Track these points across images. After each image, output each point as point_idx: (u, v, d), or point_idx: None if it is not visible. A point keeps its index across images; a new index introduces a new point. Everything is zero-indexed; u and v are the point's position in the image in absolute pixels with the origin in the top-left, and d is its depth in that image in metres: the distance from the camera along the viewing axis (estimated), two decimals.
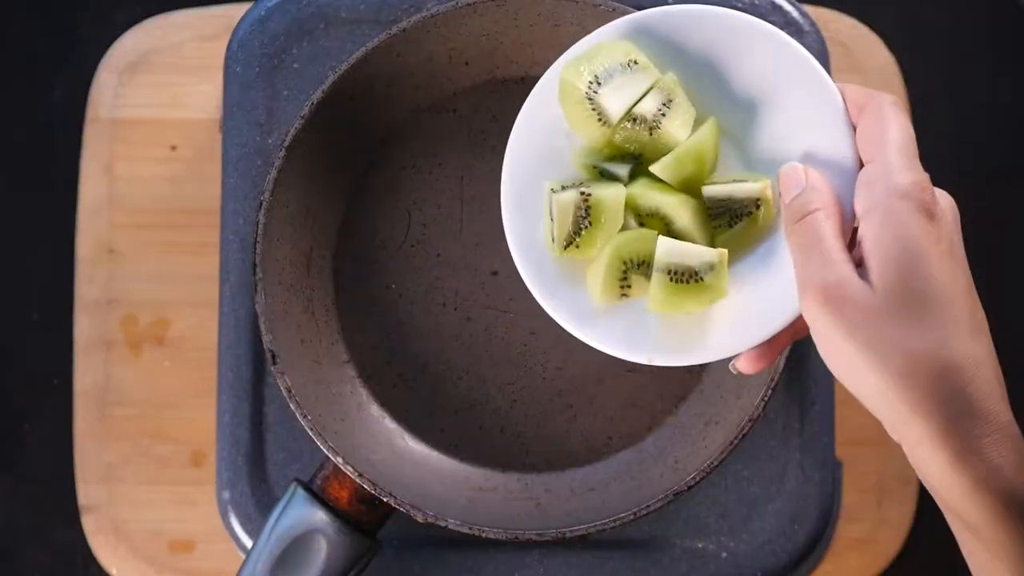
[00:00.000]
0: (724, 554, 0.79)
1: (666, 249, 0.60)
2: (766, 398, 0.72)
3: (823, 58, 0.80)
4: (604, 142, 0.64)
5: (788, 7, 0.81)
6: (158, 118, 0.93)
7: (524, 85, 0.79)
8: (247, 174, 0.81)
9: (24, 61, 0.99)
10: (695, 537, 0.80)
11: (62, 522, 0.93)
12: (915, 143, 0.56)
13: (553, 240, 0.63)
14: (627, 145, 0.63)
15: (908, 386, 0.52)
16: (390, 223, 0.80)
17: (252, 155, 0.81)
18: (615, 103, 0.62)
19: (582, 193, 0.62)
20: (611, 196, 0.62)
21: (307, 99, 0.75)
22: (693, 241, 0.62)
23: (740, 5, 0.80)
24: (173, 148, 0.93)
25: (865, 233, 0.54)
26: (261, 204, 0.73)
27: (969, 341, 0.53)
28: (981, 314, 0.54)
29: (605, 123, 0.63)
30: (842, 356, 0.54)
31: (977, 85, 1.00)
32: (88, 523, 0.90)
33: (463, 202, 0.80)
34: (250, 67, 0.81)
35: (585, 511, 0.75)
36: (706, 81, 0.64)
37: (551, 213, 0.63)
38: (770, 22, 0.80)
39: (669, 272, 0.61)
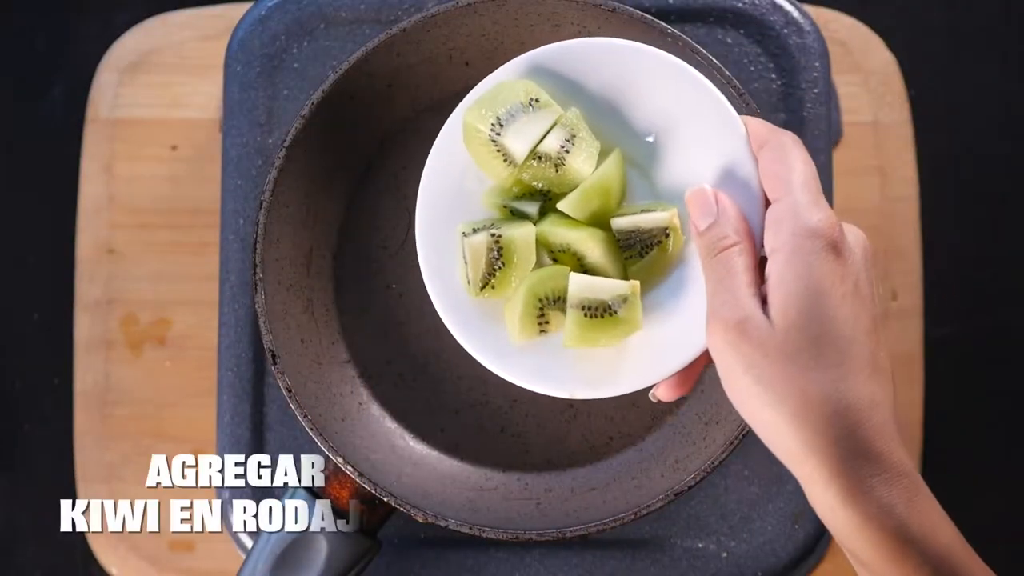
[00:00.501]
0: (724, 554, 0.79)
1: (578, 285, 0.61)
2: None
3: (823, 58, 0.80)
4: (512, 181, 0.64)
5: (788, 7, 0.81)
6: (158, 118, 0.93)
7: None
8: (247, 174, 0.81)
9: (24, 61, 0.99)
10: (695, 537, 0.80)
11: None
12: (818, 180, 0.57)
13: (469, 282, 0.64)
14: (535, 183, 0.64)
15: (801, 425, 0.53)
16: (390, 223, 0.80)
17: (252, 155, 0.81)
18: (518, 143, 0.63)
19: (492, 235, 0.63)
20: (521, 235, 0.63)
21: (307, 99, 0.75)
22: (606, 274, 0.63)
23: (741, 5, 0.80)
24: (173, 148, 0.93)
25: (771, 271, 0.55)
26: (261, 204, 0.73)
27: (865, 382, 0.53)
28: (883, 353, 0.55)
29: (511, 163, 0.64)
30: (741, 390, 0.54)
31: (977, 85, 1.00)
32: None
33: None
34: (250, 67, 0.81)
35: (585, 511, 0.75)
36: (611, 113, 0.64)
37: (464, 256, 0.64)
38: (770, 21, 0.80)
39: (583, 308, 0.61)
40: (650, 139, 0.64)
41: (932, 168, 0.95)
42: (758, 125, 0.60)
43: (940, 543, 0.52)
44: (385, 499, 0.72)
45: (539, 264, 0.64)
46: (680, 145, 0.63)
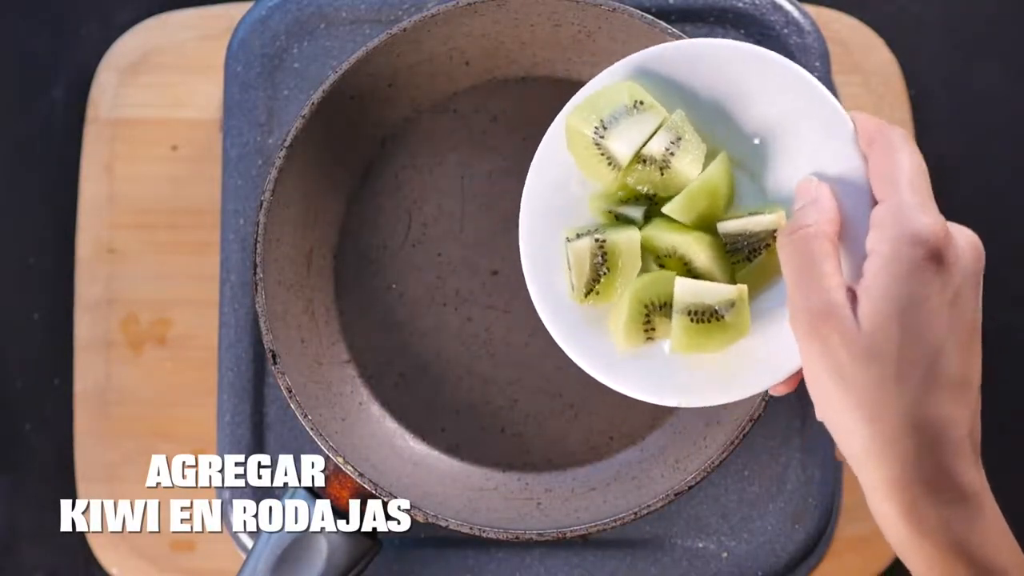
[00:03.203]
0: (725, 554, 0.79)
1: (684, 290, 0.60)
2: (767, 398, 0.72)
3: (823, 58, 0.80)
4: (617, 185, 0.63)
5: (789, 7, 0.81)
6: (159, 118, 0.93)
7: (524, 85, 0.79)
8: (247, 174, 0.81)
9: (24, 61, 0.99)
10: (696, 537, 0.80)
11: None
12: (928, 180, 0.55)
13: (573, 289, 0.63)
14: (640, 187, 0.63)
15: (874, 433, 0.52)
16: (391, 223, 0.80)
17: (253, 155, 0.81)
18: (623, 146, 0.62)
19: (597, 240, 0.62)
20: (626, 240, 0.62)
21: (308, 99, 0.75)
22: (713, 279, 0.61)
23: (742, 5, 0.80)
24: (174, 148, 0.93)
25: (867, 271, 0.54)
26: (261, 204, 0.73)
27: (947, 398, 0.52)
28: (974, 367, 0.54)
29: (615, 167, 0.63)
30: (820, 385, 0.53)
31: (977, 85, 1.00)
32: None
33: (464, 202, 0.80)
34: (251, 67, 0.81)
35: (586, 511, 0.75)
36: (716, 115, 0.63)
37: (568, 262, 0.63)
38: (771, 21, 0.80)
39: (689, 313, 0.60)
40: (756, 141, 0.63)
41: (932, 168, 0.95)
42: (866, 121, 0.58)
43: (997, 563, 0.51)
44: (385, 499, 0.72)
45: (645, 270, 0.63)
46: (787, 146, 0.62)
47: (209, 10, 0.94)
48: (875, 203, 0.57)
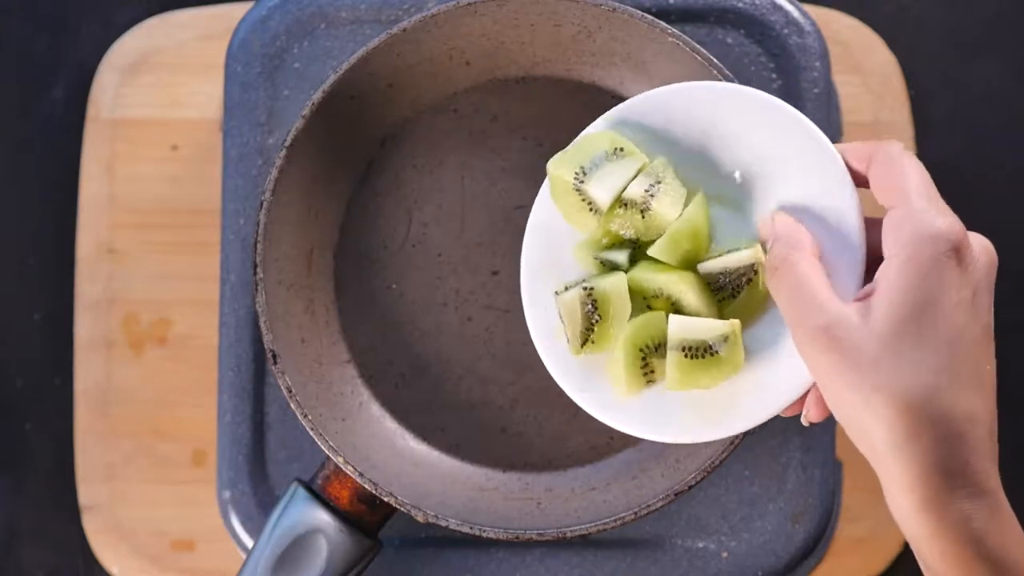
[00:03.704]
0: (725, 554, 0.79)
1: (678, 327, 0.61)
2: None
3: (823, 58, 0.80)
4: (600, 232, 0.64)
5: (789, 7, 0.81)
6: (159, 118, 0.93)
7: (524, 85, 0.79)
8: (248, 174, 0.81)
9: (24, 61, 0.99)
10: (696, 537, 0.80)
11: (63, 521, 0.93)
12: (934, 186, 0.56)
13: (568, 342, 0.64)
14: (623, 231, 0.64)
15: (892, 426, 0.51)
16: (391, 223, 0.80)
17: (253, 155, 0.81)
18: (602, 191, 0.63)
19: (585, 288, 0.63)
20: (613, 285, 0.63)
21: (308, 99, 0.75)
22: (702, 316, 0.62)
23: (742, 5, 0.80)
24: (174, 148, 0.93)
25: (880, 275, 0.54)
26: (262, 204, 0.73)
27: (966, 394, 0.52)
28: (990, 369, 0.54)
29: (596, 212, 0.64)
30: (837, 395, 0.53)
31: (977, 85, 1.00)
32: (89, 522, 0.90)
33: (464, 202, 0.80)
34: (251, 67, 0.81)
35: (586, 511, 0.75)
36: (700, 155, 0.64)
37: (561, 316, 0.64)
38: (771, 22, 0.80)
39: (684, 349, 0.61)
40: (738, 177, 0.64)
41: (932, 169, 0.95)
42: (858, 145, 0.59)
43: (1010, 559, 0.51)
44: (386, 499, 0.72)
45: (635, 313, 0.63)
46: (772, 180, 0.63)
47: (209, 10, 0.94)
48: (869, 222, 0.58)
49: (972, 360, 0.53)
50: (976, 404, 0.52)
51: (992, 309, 0.55)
